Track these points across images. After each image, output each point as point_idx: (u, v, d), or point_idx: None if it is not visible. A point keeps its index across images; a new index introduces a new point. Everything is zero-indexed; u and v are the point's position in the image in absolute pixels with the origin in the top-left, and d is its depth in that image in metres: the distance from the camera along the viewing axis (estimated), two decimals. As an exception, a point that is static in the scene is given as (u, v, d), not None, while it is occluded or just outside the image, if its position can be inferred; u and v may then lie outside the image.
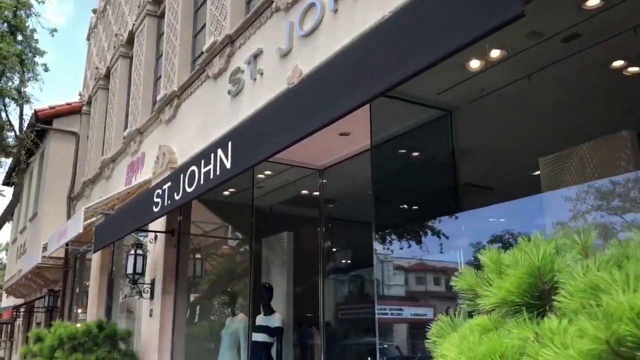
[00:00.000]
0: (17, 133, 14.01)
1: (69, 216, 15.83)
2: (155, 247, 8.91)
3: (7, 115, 14.08)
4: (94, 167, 14.30)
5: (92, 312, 12.05)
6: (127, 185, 11.16)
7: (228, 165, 4.43)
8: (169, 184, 5.73)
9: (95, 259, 12.32)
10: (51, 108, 16.16)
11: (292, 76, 6.09)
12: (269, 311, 7.41)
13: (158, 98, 9.91)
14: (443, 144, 5.39)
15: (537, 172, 5.83)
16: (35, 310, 18.98)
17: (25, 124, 14.92)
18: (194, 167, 5.14)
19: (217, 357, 7.99)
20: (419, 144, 5.32)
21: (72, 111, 16.52)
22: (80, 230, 8.97)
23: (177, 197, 5.42)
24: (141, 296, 8.76)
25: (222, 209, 9.55)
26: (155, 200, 6.02)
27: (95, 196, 13.72)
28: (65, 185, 16.06)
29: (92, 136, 14.97)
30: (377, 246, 4.59)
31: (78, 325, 8.20)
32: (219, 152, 4.60)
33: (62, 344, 7.98)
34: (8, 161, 21.78)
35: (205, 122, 8.28)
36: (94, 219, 11.46)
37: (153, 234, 8.86)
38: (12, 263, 21.28)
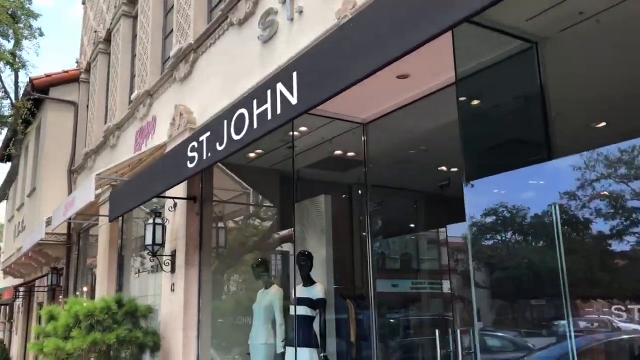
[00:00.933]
0: (13, 101, 13.08)
1: (69, 190, 15.01)
2: (174, 215, 8.14)
3: (1, 82, 13.14)
4: (96, 136, 13.43)
5: (101, 289, 11.30)
6: (137, 152, 10.34)
7: (293, 100, 3.64)
8: (207, 134, 4.92)
9: (103, 232, 11.53)
10: (47, 76, 15.19)
11: (343, 9, 5.27)
12: (309, 282, 6.69)
13: (171, 54, 9.04)
14: (528, 81, 4.62)
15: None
16: (36, 289, 18.22)
17: (21, 93, 13.97)
18: (242, 110, 4.33)
19: (250, 334, 7.28)
20: (501, 81, 4.53)
21: (69, 79, 15.56)
22: (92, 199, 8.17)
23: (220, 148, 4.62)
24: (161, 269, 8.01)
25: (244, 174, 8.75)
26: (190, 154, 5.21)
27: (99, 167, 12.88)
28: (65, 157, 15.19)
29: (92, 104, 14.07)
30: (471, 201, 3.82)
31: (83, 303, 7.42)
32: (279, 87, 3.81)
33: (78, 323, 7.23)
34: (1, 137, 20.77)
35: (230, 74, 7.45)
36: (99, 190, 10.64)
37: (172, 201, 8.09)
38: (10, 242, 20.43)
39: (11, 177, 13.66)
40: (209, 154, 4.84)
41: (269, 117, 3.92)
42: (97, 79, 13.85)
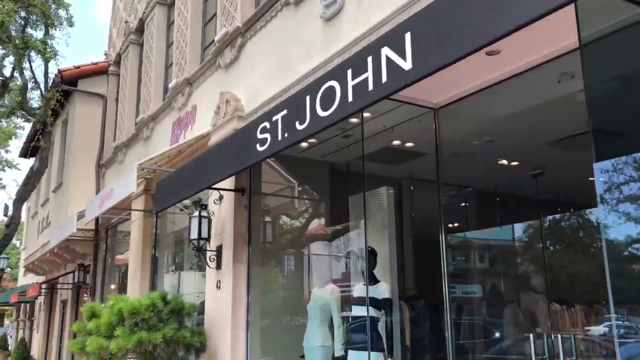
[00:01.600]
0: (43, 92, 12.69)
1: (98, 184, 14.63)
2: (220, 209, 7.67)
3: (32, 72, 12.74)
4: (127, 129, 13.03)
5: (133, 287, 10.86)
6: (175, 144, 9.89)
7: (407, 65, 3.15)
8: (283, 112, 4.43)
9: (135, 228, 11.10)
10: (76, 67, 14.84)
11: (428, -22, 4.76)
12: (373, 280, 6.18)
13: (216, 39, 8.58)
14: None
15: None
16: (60, 287, 17.87)
17: (50, 83, 13.56)
18: (331, 83, 3.84)
19: (304, 335, 6.79)
20: (626, 50, 3.99)
21: (98, 71, 15.20)
22: (134, 190, 7.73)
23: (301, 127, 4.12)
24: (206, 265, 7.54)
25: (291, 165, 8.25)
26: (260, 137, 4.72)
27: (131, 161, 12.48)
28: (93, 151, 14.80)
29: (123, 97, 13.67)
30: (604, 183, 3.29)
31: (127, 300, 6.95)
32: (385, 51, 3.32)
33: (122, 321, 6.77)
34: (25, 132, 20.40)
35: (283, 58, 6.97)
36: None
37: (218, 194, 7.61)
38: (33, 239, 20.13)
39: (40, 170, 13.26)
40: (286, 135, 4.34)
41: (370, 87, 3.42)
42: (128, 71, 13.46)
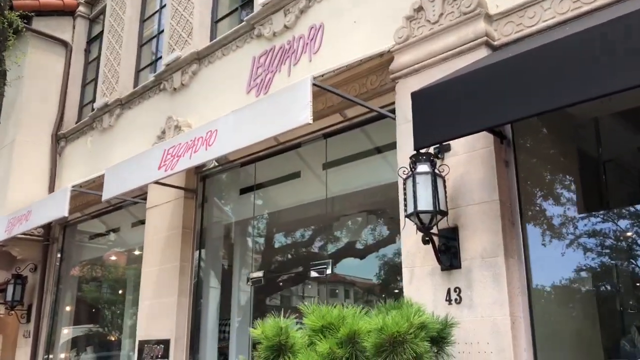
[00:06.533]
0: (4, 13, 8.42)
1: (54, 162, 10.38)
2: (450, 165, 4.47)
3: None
4: (124, 84, 9.19)
5: (158, 306, 7.07)
6: (259, 93, 6.54)
7: None
8: None
9: (161, 217, 7.33)
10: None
11: None
12: None
13: None
14: None
15: None
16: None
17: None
18: None
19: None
20: None
21: (62, 10, 11.06)
22: (310, 121, 4.30)
23: None
24: (438, 261, 4.27)
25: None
26: None
27: (135, 123, 8.69)
28: (48, 117, 10.56)
29: (112, 41, 9.77)
30: None
31: (359, 316, 3.52)
32: None
33: (355, 356, 3.32)
34: None
35: None
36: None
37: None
38: None
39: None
40: None
41: None
42: (126, 7, 9.67)
